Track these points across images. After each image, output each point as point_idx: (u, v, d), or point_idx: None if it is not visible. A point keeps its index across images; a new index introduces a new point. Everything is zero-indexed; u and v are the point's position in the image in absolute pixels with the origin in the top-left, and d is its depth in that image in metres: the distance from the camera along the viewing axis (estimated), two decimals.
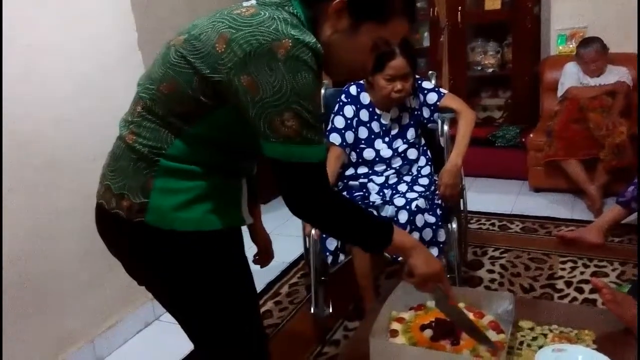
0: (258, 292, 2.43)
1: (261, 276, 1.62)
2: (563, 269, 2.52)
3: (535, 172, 3.46)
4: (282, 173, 1.04)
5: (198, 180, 1.10)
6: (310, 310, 2.09)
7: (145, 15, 2.34)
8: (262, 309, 2.38)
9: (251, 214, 1.45)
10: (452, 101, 2.17)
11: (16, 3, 1.80)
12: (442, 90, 2.21)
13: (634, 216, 2.68)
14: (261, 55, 0.97)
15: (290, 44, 0.97)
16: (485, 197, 3.37)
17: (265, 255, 1.58)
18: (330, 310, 2.14)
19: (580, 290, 2.34)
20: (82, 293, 2.10)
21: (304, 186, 1.06)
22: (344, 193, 2.13)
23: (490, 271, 2.56)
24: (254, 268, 1.39)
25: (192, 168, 1.09)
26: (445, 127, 2.21)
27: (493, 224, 3.10)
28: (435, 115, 2.20)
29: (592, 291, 2.31)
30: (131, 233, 1.12)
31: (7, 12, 1.77)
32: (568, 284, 2.40)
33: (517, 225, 3.06)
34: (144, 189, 1.09)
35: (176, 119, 1.07)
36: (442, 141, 2.26)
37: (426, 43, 4.24)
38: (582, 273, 2.47)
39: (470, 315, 1.38)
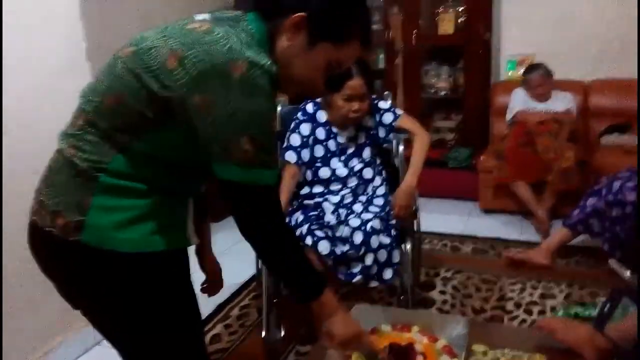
0: (207, 314, 2.36)
1: (210, 298, 1.55)
2: (513, 291, 2.55)
3: (485, 193, 3.53)
4: (234, 194, 1.02)
5: (140, 199, 1.04)
6: (262, 334, 2.03)
7: (95, 24, 2.26)
8: (211, 333, 2.29)
9: (199, 234, 1.39)
10: (407, 122, 2.19)
11: None
12: (397, 110, 2.22)
13: (580, 238, 2.76)
14: (215, 76, 0.94)
15: (246, 67, 0.94)
16: (437, 217, 3.40)
17: (213, 284, 1.52)
18: (282, 334, 2.09)
19: (529, 312, 2.37)
20: (17, 315, 1.96)
21: (255, 208, 1.04)
22: (299, 212, 2.09)
23: (442, 292, 2.57)
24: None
25: (134, 185, 1.03)
26: (400, 148, 2.23)
27: (445, 245, 3.13)
28: (391, 135, 2.21)
29: (540, 312, 2.35)
30: (66, 253, 1.05)
31: None
32: (518, 305, 2.43)
33: (468, 246, 3.10)
34: (80, 206, 1.02)
35: (120, 133, 1.02)
36: (396, 161, 2.26)
37: (381, 65, 4.29)
38: (530, 295, 2.51)
39: (424, 340, 1.37)
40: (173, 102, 0.97)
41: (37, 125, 1.95)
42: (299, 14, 1.02)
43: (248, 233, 1.06)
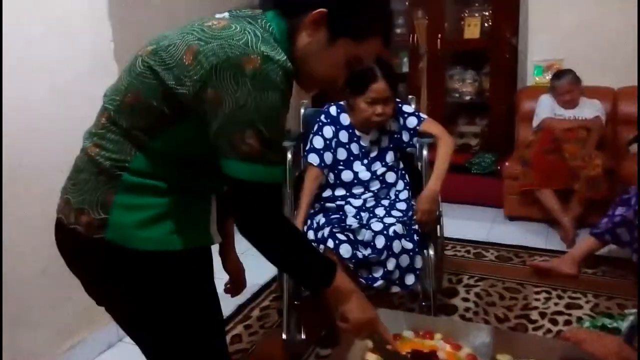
0: (228, 315, 2.37)
1: (231, 298, 1.55)
2: (537, 300, 2.50)
3: (510, 200, 3.47)
4: (235, 190, 1.01)
5: (162, 197, 1.05)
6: (282, 335, 2.02)
7: (122, 25, 2.29)
8: (232, 333, 2.30)
9: (223, 235, 1.39)
10: (431, 126, 2.16)
11: None
12: (422, 114, 2.19)
13: (607, 248, 2.70)
14: (228, 69, 0.94)
15: (260, 61, 0.94)
16: (461, 223, 3.36)
17: (236, 284, 1.51)
18: (303, 336, 2.08)
19: (554, 322, 2.32)
20: (42, 311, 1.99)
21: (255, 206, 1.02)
22: (321, 215, 2.08)
23: (465, 299, 2.53)
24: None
25: (155, 183, 1.04)
26: (424, 152, 2.19)
27: (468, 251, 3.08)
28: (414, 139, 2.18)
29: (566, 323, 2.30)
30: (90, 250, 1.06)
31: None
32: (542, 314, 2.38)
33: (492, 254, 3.05)
34: (104, 204, 1.03)
35: (140, 132, 1.03)
36: (420, 166, 2.23)
37: (405, 69, 4.27)
38: (556, 304, 2.46)
39: (447, 347, 1.34)
40: (188, 98, 0.97)
41: (65, 124, 1.97)
42: (319, 9, 1.01)
43: (247, 231, 1.04)
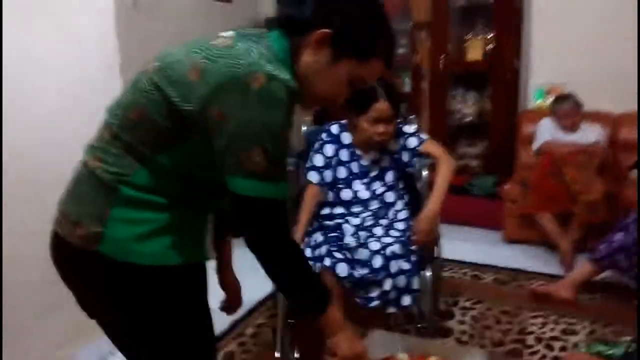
0: (222, 331, 2.35)
1: (226, 315, 1.54)
2: (534, 324, 2.48)
3: (510, 223, 3.46)
4: (242, 207, 1.02)
5: (159, 212, 1.05)
6: (275, 355, 2.00)
7: (129, 40, 2.31)
8: (225, 349, 2.28)
9: (220, 251, 1.39)
10: (432, 147, 2.16)
11: None
12: (422, 135, 2.20)
13: (606, 273, 2.69)
14: (234, 87, 0.95)
15: (265, 79, 0.95)
16: (459, 245, 3.34)
17: (232, 302, 1.50)
18: (297, 356, 2.06)
19: (550, 347, 2.30)
20: (34, 322, 1.97)
21: (262, 221, 1.03)
22: (319, 233, 2.08)
23: (461, 322, 2.51)
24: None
25: (154, 199, 1.04)
26: (424, 173, 2.19)
27: (465, 273, 3.07)
28: (415, 159, 2.18)
29: (562, 349, 2.28)
30: (84, 263, 1.06)
31: None
32: (538, 339, 2.36)
33: (490, 276, 3.04)
34: (100, 217, 1.03)
35: (143, 147, 1.03)
36: (420, 186, 2.23)
37: (408, 89, 4.29)
38: (552, 329, 2.44)
39: None
40: (193, 116, 0.98)
41: (67, 136, 1.98)
42: (323, 30, 1.03)
43: (254, 246, 1.05)
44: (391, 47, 1.14)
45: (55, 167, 1.93)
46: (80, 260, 1.06)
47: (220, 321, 1.50)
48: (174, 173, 1.05)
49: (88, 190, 1.07)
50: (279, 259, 1.07)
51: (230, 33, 1.07)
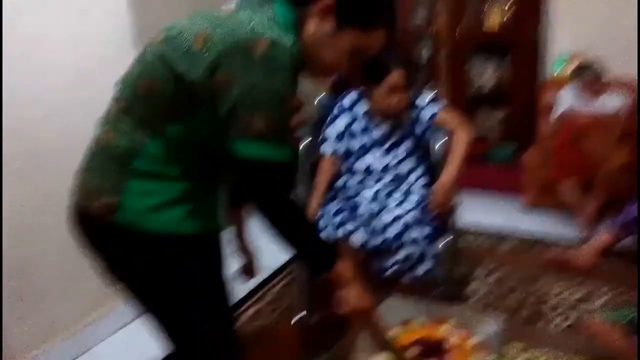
0: (241, 296, 2.40)
1: (244, 280, 1.58)
2: (552, 291, 2.49)
3: (529, 190, 3.44)
4: (247, 169, 1.05)
5: (173, 183, 1.08)
6: (293, 319, 2.05)
7: (142, 12, 2.32)
8: (245, 314, 2.34)
9: (235, 219, 1.43)
10: (449, 117, 2.15)
11: None
12: (438, 105, 2.18)
13: (625, 241, 2.66)
14: (237, 53, 0.97)
15: (267, 45, 0.97)
16: (478, 212, 3.33)
17: (248, 269, 1.54)
18: (315, 320, 2.10)
19: (566, 315, 2.31)
20: (68, 283, 2.06)
21: (267, 183, 1.07)
22: (334, 203, 2.09)
23: (479, 289, 2.53)
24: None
25: (167, 170, 1.07)
26: (440, 143, 2.18)
27: (484, 241, 3.07)
28: (430, 130, 2.17)
29: (579, 316, 2.28)
30: (102, 233, 1.11)
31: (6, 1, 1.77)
32: (556, 306, 2.37)
33: (508, 244, 3.04)
34: (115, 188, 1.07)
35: (152, 119, 1.06)
36: (435, 156, 2.22)
37: (425, 58, 4.23)
38: (570, 296, 2.44)
39: (456, 337, 1.36)
40: (199, 83, 1.00)
41: (82, 109, 2.02)
42: (326, 1, 1.04)
43: (262, 206, 1.08)
44: (394, 16, 1.16)
45: (71, 138, 1.98)
46: (99, 231, 1.11)
47: (240, 286, 1.54)
48: (185, 143, 1.07)
49: (102, 164, 1.10)
50: (286, 217, 1.10)
51: (234, 3, 1.09)
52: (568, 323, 2.24)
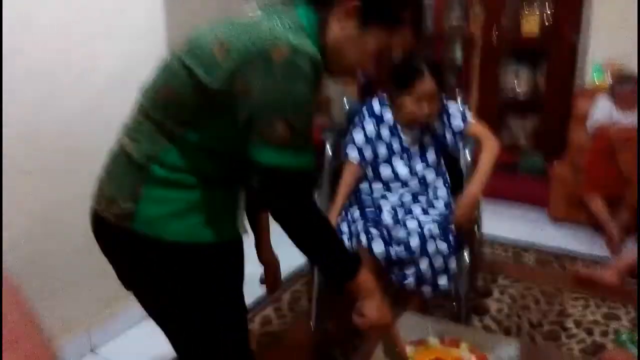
0: (259, 295, 2.41)
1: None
2: (574, 307, 2.45)
3: (556, 202, 3.39)
4: (266, 178, 1.04)
5: (190, 191, 1.08)
6: (310, 322, 2.06)
7: (176, 15, 2.33)
8: (262, 314, 2.35)
9: (257, 226, 1.43)
10: (477, 129, 2.12)
11: None
12: (468, 116, 2.15)
13: None
14: (257, 60, 0.96)
15: (288, 51, 0.96)
16: (502, 223, 3.30)
17: (271, 278, 1.54)
18: (331, 325, 2.11)
19: (589, 332, 2.27)
20: (81, 281, 2.09)
21: (285, 192, 1.05)
22: (356, 208, 2.09)
23: (499, 300, 2.51)
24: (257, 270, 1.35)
25: (184, 178, 1.07)
26: (468, 154, 2.16)
27: (507, 251, 3.04)
28: (458, 140, 2.15)
29: (603, 333, 2.25)
30: (120, 239, 1.12)
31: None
32: (578, 323, 2.33)
33: (532, 256, 3.00)
34: (133, 195, 1.07)
35: (172, 125, 1.06)
36: (462, 168, 2.20)
37: (459, 61, 4.18)
38: (592, 313, 2.40)
39: (473, 358, 1.34)
40: (220, 90, 1.00)
41: (113, 111, 2.05)
42: (351, 1, 1.04)
43: (279, 217, 1.07)
44: (420, 15, 1.14)
45: (100, 139, 2.02)
46: (116, 236, 1.12)
47: (258, 285, 1.55)
48: (204, 150, 1.07)
49: (121, 169, 1.11)
50: (304, 228, 1.09)
51: (256, 9, 1.08)
52: (587, 345, 2.20)
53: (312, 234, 1.11)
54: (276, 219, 1.08)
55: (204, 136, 1.06)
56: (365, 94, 2.22)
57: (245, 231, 1.23)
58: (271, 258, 1.52)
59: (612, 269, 2.62)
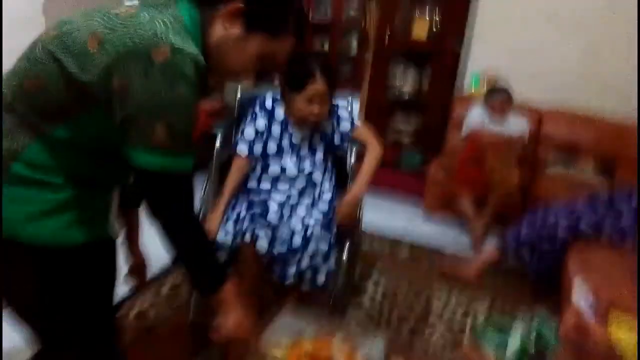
0: (135, 287, 2.31)
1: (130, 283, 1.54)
2: (439, 300, 2.64)
3: (430, 200, 3.62)
4: (144, 180, 1.01)
5: (54, 193, 1.01)
6: (189, 316, 2.03)
7: (56, 6, 2.14)
8: (137, 309, 2.28)
9: (128, 226, 1.38)
10: (363, 133, 2.20)
11: None
12: (356, 120, 2.23)
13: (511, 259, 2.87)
14: (136, 59, 0.92)
15: (170, 52, 0.93)
16: (380, 217, 3.47)
17: (138, 274, 1.50)
18: (211, 320, 2.09)
19: (450, 326, 2.45)
20: None
21: (164, 195, 1.03)
22: (243, 206, 2.08)
23: (372, 298, 2.61)
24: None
25: (48, 179, 1.00)
26: (353, 156, 2.24)
27: (382, 245, 3.20)
28: (345, 143, 2.22)
29: (460, 330, 2.43)
30: None
31: None
32: (440, 317, 2.51)
33: (405, 250, 3.18)
34: None
35: (39, 118, 0.98)
36: (348, 169, 2.28)
37: (354, 53, 4.29)
38: (453, 309, 2.58)
39: (343, 352, 1.41)
40: (93, 86, 0.95)
41: None
42: (235, 3, 1.02)
43: (155, 218, 1.05)
44: (302, 24, 1.14)
45: None
46: None
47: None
48: (73, 146, 1.00)
49: None
50: (179, 233, 1.07)
51: (134, 2, 1.03)
52: (446, 340, 2.36)
53: (185, 240, 1.09)
54: (151, 218, 1.06)
55: (73, 132, 0.99)
56: (261, 78, 2.19)
57: (119, 231, 1.19)
58: (141, 255, 1.49)
59: (473, 264, 2.86)
